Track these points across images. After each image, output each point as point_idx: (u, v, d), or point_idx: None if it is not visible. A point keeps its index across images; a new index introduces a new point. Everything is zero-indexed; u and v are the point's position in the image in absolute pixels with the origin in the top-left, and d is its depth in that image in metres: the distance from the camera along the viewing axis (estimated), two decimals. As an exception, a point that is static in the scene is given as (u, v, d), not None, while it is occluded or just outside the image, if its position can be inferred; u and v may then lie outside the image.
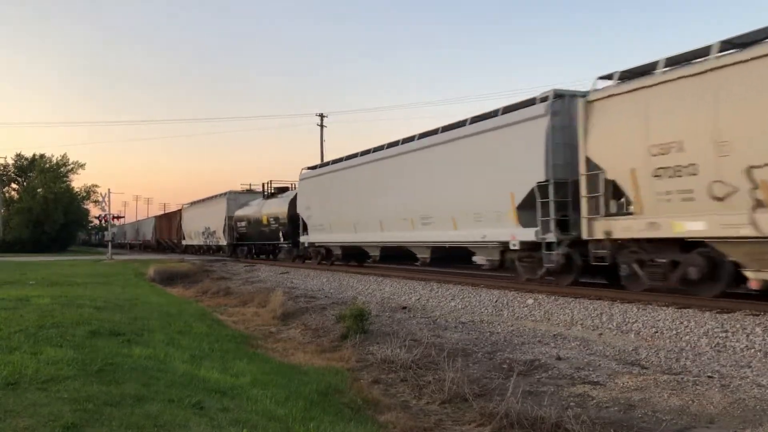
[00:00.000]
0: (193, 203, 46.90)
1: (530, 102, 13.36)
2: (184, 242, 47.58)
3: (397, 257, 20.36)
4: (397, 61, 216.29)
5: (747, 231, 8.74)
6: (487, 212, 14.11)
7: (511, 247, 13.52)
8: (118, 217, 51.80)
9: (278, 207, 29.51)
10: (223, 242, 37.34)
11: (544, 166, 12.32)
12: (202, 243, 42.51)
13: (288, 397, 5.58)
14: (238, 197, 36.71)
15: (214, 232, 39.11)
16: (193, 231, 44.88)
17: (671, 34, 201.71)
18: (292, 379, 6.55)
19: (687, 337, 8.20)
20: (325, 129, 46.67)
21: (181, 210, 49.44)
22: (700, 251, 9.85)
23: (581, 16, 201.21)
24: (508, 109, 14.05)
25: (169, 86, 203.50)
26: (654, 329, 8.74)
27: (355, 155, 21.81)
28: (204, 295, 17.14)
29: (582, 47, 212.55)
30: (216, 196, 39.88)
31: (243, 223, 34.00)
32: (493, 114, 14.49)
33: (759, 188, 8.68)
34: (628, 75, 11.25)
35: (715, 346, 7.67)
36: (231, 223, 35.69)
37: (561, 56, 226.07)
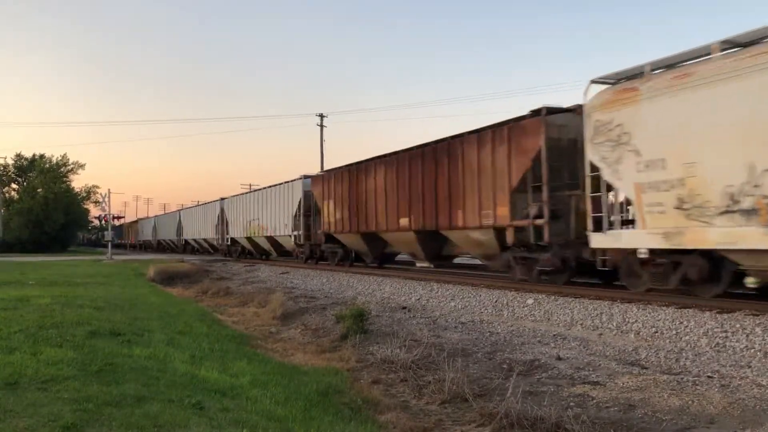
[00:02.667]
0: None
1: None
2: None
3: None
4: (397, 61, 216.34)
5: None
6: None
7: None
8: (118, 217, 51.87)
9: None
10: None
11: None
12: None
13: (288, 398, 5.58)
14: None
15: None
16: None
17: (669, 30, 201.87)
18: (292, 380, 6.55)
19: (687, 337, 8.20)
20: (325, 129, 46.30)
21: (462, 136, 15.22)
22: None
23: (582, 14, 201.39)
24: None
25: (170, 86, 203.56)
26: (654, 329, 8.74)
27: None
28: (204, 295, 17.13)
29: (582, 48, 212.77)
30: None
31: None
32: None
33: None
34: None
35: (715, 346, 7.67)
36: None
37: (561, 56, 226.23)
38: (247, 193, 34.44)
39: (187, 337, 8.63)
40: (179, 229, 51.40)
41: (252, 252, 33.76)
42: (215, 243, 40.19)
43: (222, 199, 38.54)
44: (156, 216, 68.50)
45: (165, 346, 7.58)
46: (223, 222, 37.66)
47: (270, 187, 29.84)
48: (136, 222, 78.71)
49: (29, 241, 53.52)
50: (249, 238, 32.42)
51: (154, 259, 35.42)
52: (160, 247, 60.65)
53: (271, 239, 29.26)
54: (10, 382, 5.01)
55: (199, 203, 47.74)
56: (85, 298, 12.14)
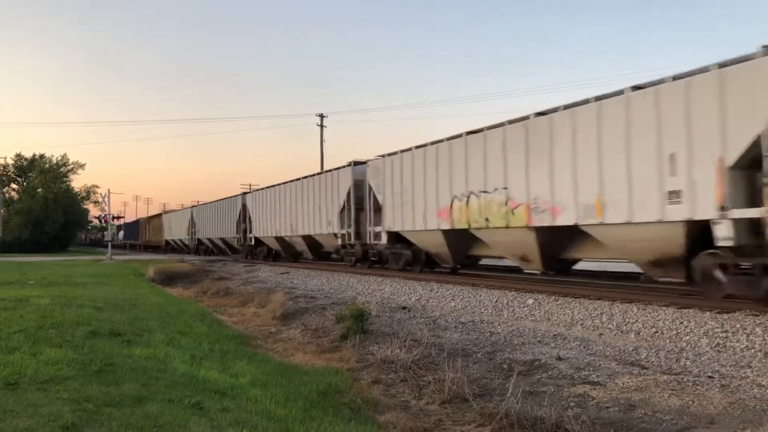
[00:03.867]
0: None
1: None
2: None
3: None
4: (399, 61, 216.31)
5: None
6: None
7: None
8: (118, 217, 51.68)
9: None
10: None
11: None
12: None
13: (288, 398, 5.58)
14: None
15: None
16: None
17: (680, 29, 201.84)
18: (292, 380, 6.55)
19: (687, 337, 8.20)
20: (325, 129, 45.89)
21: None
22: None
23: (582, 16, 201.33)
24: None
25: (170, 86, 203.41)
26: (654, 329, 8.75)
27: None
28: (204, 295, 17.14)
29: (582, 48, 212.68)
30: None
31: None
32: None
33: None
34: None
35: (715, 346, 7.67)
36: None
37: (560, 56, 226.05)
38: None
39: (186, 337, 8.62)
40: (241, 223, 34.01)
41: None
42: (333, 247, 24.08)
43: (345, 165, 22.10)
44: (194, 207, 47.16)
45: (165, 346, 7.58)
46: (370, 202, 20.45)
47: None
48: (158, 216, 59.10)
49: (29, 241, 53.51)
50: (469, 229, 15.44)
51: (155, 259, 35.40)
52: (201, 248, 42.82)
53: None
54: (10, 382, 5.01)
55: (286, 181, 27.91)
56: (85, 298, 12.15)
